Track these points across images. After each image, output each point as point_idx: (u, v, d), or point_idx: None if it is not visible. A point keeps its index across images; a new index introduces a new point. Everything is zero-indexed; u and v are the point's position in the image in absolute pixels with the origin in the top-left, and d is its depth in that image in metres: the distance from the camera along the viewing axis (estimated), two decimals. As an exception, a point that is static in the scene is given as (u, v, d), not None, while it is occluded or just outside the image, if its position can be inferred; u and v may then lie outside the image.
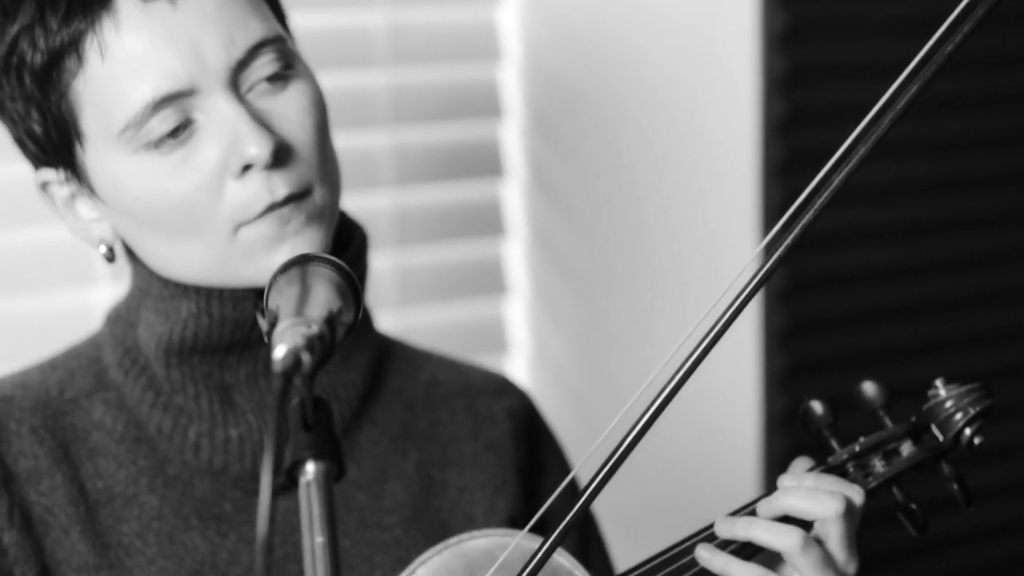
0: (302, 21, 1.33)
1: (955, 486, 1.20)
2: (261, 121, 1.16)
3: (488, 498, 1.30)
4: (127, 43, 1.14)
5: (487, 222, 1.95)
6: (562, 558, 1.16)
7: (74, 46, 1.14)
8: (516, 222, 1.98)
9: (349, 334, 0.96)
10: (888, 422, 1.20)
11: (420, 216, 1.89)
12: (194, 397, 1.23)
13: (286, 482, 0.86)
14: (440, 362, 1.37)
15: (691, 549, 1.14)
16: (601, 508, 1.32)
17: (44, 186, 1.23)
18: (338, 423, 1.27)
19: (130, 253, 1.25)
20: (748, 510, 1.15)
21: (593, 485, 0.99)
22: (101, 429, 1.24)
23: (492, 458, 1.32)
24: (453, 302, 1.93)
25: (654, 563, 1.14)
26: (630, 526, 1.80)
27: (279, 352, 0.87)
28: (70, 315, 1.68)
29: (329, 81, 1.28)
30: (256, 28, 1.17)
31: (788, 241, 0.96)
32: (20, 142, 1.22)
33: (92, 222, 1.23)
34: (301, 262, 0.97)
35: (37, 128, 1.18)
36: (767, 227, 2.02)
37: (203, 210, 1.16)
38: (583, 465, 1.09)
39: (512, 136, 1.96)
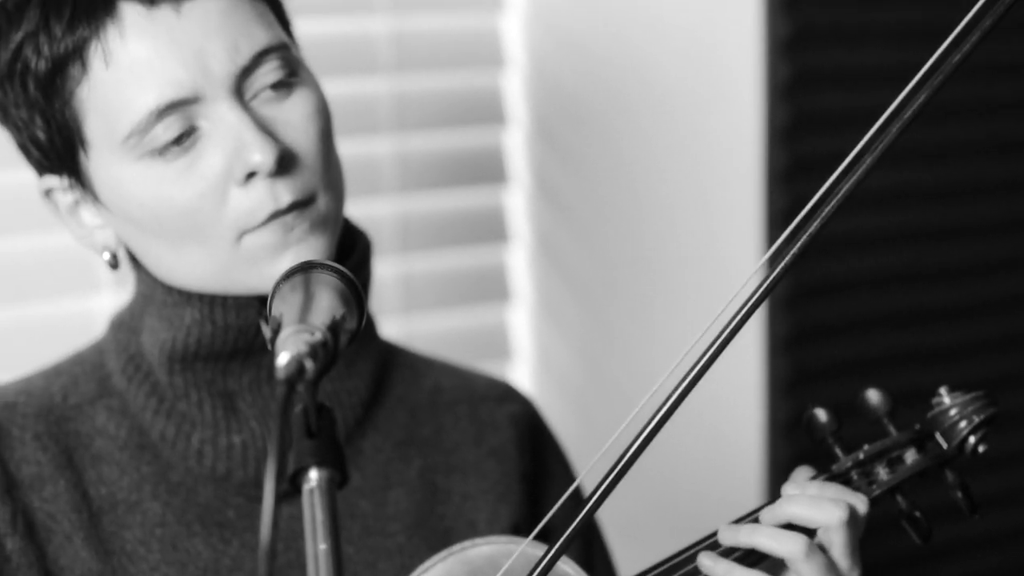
0: (305, 28, 1.33)
1: (959, 494, 1.20)
2: (265, 128, 1.16)
3: (491, 505, 1.30)
4: (131, 50, 1.14)
5: (490, 229, 1.95)
6: (566, 566, 1.16)
7: (78, 53, 1.14)
8: (519, 229, 1.98)
9: (352, 341, 0.96)
10: (892, 430, 1.20)
11: (423, 223, 1.89)
12: (197, 404, 1.23)
13: (289, 489, 0.86)
14: (444, 369, 1.37)
15: (694, 557, 1.14)
16: (604, 514, 1.32)
17: (48, 193, 1.23)
18: (341, 430, 1.26)
19: (134, 260, 1.25)
20: (751, 518, 1.15)
21: (598, 494, 0.99)
22: (104, 435, 1.23)
23: (495, 465, 1.32)
24: (456, 309, 1.93)
25: (657, 571, 1.14)
26: (633, 533, 1.79)
27: (282, 359, 0.87)
28: (73, 322, 1.68)
29: (332, 88, 1.28)
30: (260, 35, 1.17)
31: (795, 250, 0.96)
32: (24, 148, 1.22)
33: (96, 229, 1.23)
34: (304, 269, 0.97)
35: (41, 135, 1.18)
36: (771, 233, 2.02)
37: (207, 217, 1.16)
38: (587, 473, 1.08)
39: (515, 143, 1.96)
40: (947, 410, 1.20)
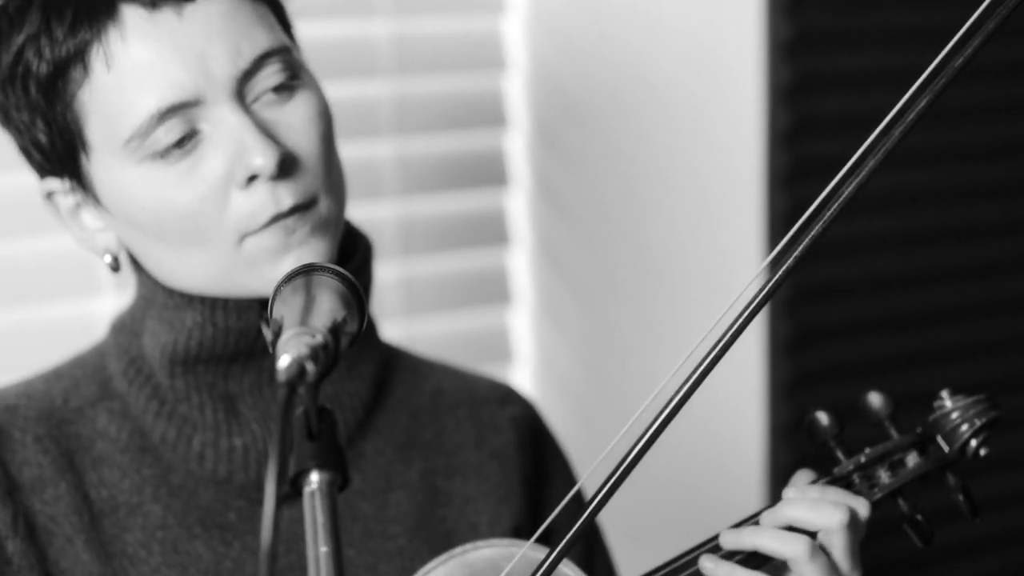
0: (306, 31, 1.33)
1: (961, 497, 1.20)
2: (267, 131, 1.16)
3: (492, 507, 1.30)
4: (133, 53, 1.14)
5: (491, 232, 1.95)
6: (568, 569, 1.16)
7: (80, 56, 1.14)
8: (520, 232, 1.98)
9: (353, 344, 0.95)
10: (894, 433, 1.20)
11: (424, 226, 1.89)
12: (198, 406, 1.23)
13: (290, 491, 0.86)
14: (445, 371, 1.37)
15: (695, 560, 1.13)
16: (605, 517, 1.32)
17: (49, 195, 1.23)
18: (342, 433, 1.26)
19: (135, 263, 1.25)
20: (751, 522, 1.15)
21: (599, 498, 0.99)
22: (105, 438, 1.23)
23: (496, 467, 1.32)
24: (457, 311, 1.93)
25: (659, 574, 1.14)
26: (634, 535, 1.79)
27: (283, 362, 0.86)
28: (74, 324, 1.68)
29: (333, 91, 1.28)
30: (262, 39, 1.17)
31: (797, 252, 0.96)
32: (25, 151, 1.22)
33: (97, 232, 1.23)
34: (305, 272, 0.97)
35: (42, 138, 1.18)
36: (772, 236, 2.02)
37: (208, 220, 1.16)
38: (588, 477, 1.08)
39: (516, 146, 1.96)
40: (949, 413, 1.19)
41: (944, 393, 1.21)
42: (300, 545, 1.21)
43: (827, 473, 1.18)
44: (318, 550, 0.83)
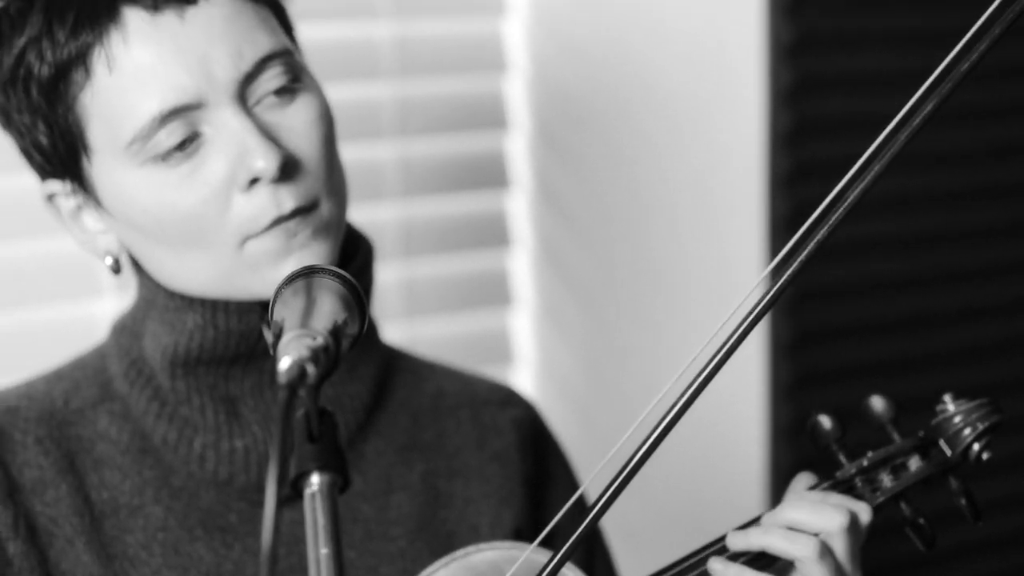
0: (308, 33, 1.33)
1: (963, 501, 1.20)
2: (268, 134, 1.16)
3: (493, 509, 1.30)
4: (135, 56, 1.14)
5: (493, 234, 1.95)
6: (569, 572, 1.16)
7: (82, 59, 1.14)
8: (522, 234, 1.98)
9: (354, 346, 0.95)
10: (896, 437, 1.20)
11: (426, 228, 1.89)
12: (199, 408, 1.23)
13: (291, 493, 0.86)
14: (446, 373, 1.37)
15: (702, 562, 1.13)
16: (606, 519, 1.32)
17: (50, 198, 1.23)
18: (343, 434, 1.26)
19: (136, 265, 1.25)
20: (753, 525, 1.15)
21: (600, 503, 0.99)
22: (106, 440, 1.23)
23: (497, 469, 1.32)
24: (459, 314, 1.93)
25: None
26: (635, 537, 1.79)
27: (284, 364, 0.86)
28: (75, 326, 1.68)
29: (335, 93, 1.28)
30: (264, 41, 1.17)
31: (802, 257, 0.96)
32: (26, 153, 1.22)
33: (98, 234, 1.23)
34: (306, 274, 0.97)
35: (44, 140, 1.18)
36: (773, 238, 2.02)
37: (210, 223, 1.16)
38: (591, 482, 1.08)
39: (518, 148, 1.96)
40: (951, 417, 1.19)
41: (946, 397, 1.21)
42: (301, 547, 1.21)
43: (829, 476, 1.18)
44: (319, 552, 0.83)
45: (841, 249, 2.11)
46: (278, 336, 0.91)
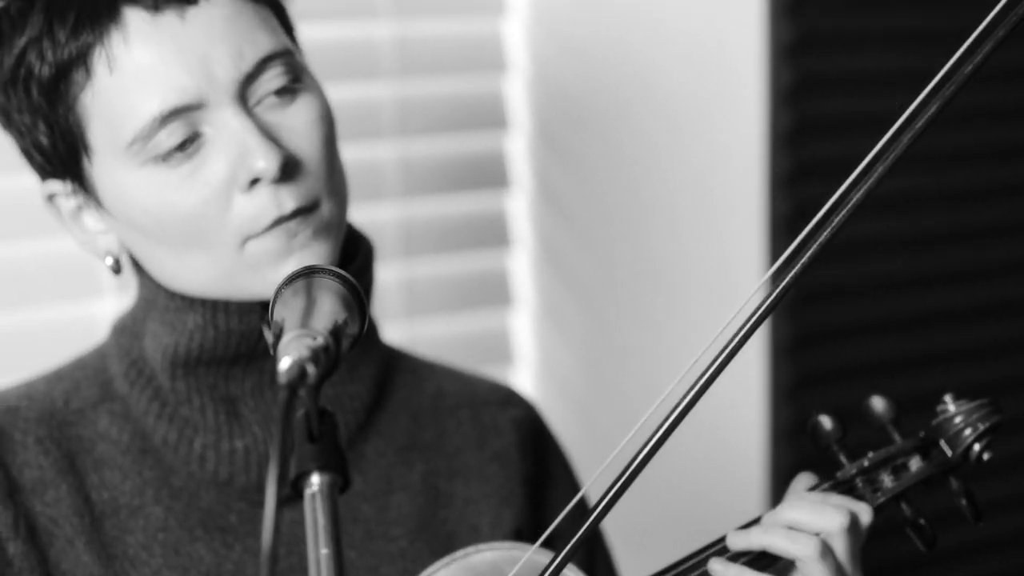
0: (308, 33, 1.33)
1: (964, 501, 1.20)
2: (269, 135, 1.16)
3: (494, 509, 1.30)
4: (136, 56, 1.14)
5: (493, 234, 1.95)
6: (570, 573, 1.16)
7: (82, 59, 1.14)
8: (522, 234, 1.98)
9: (354, 346, 0.95)
10: (897, 437, 1.20)
11: (426, 228, 1.89)
12: (200, 408, 1.23)
13: (291, 494, 0.86)
14: (446, 373, 1.37)
15: (703, 563, 1.13)
16: (607, 520, 1.32)
17: (51, 198, 1.23)
18: (343, 434, 1.26)
19: (136, 265, 1.25)
20: (754, 525, 1.15)
21: (601, 506, 0.99)
22: (107, 440, 1.23)
23: (498, 469, 1.32)
24: (459, 314, 1.93)
25: (667, 576, 1.14)
26: (635, 537, 1.79)
27: (284, 364, 0.86)
28: (76, 326, 1.68)
29: (335, 93, 1.28)
30: (265, 42, 1.17)
31: (804, 259, 0.95)
32: (27, 154, 1.22)
33: (99, 234, 1.23)
34: (306, 274, 0.97)
35: (44, 140, 1.18)
36: (773, 238, 2.02)
37: (211, 223, 1.16)
38: (592, 484, 1.08)
39: (518, 148, 1.96)
40: (952, 418, 1.19)
41: (947, 397, 1.21)
42: (301, 547, 1.21)
43: (830, 477, 1.18)
44: (319, 552, 0.83)
45: (841, 250, 2.11)
46: (278, 336, 0.91)
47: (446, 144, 1.90)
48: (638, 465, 0.98)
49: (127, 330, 1.26)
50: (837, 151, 2.04)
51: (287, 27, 1.23)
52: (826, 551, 1.11)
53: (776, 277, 0.97)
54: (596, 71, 1.95)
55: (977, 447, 1.19)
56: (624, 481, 0.98)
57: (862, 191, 0.95)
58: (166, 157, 1.15)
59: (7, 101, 1.18)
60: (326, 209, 1.19)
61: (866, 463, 1.18)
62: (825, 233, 0.96)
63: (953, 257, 2.24)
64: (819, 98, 2.06)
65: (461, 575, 1.15)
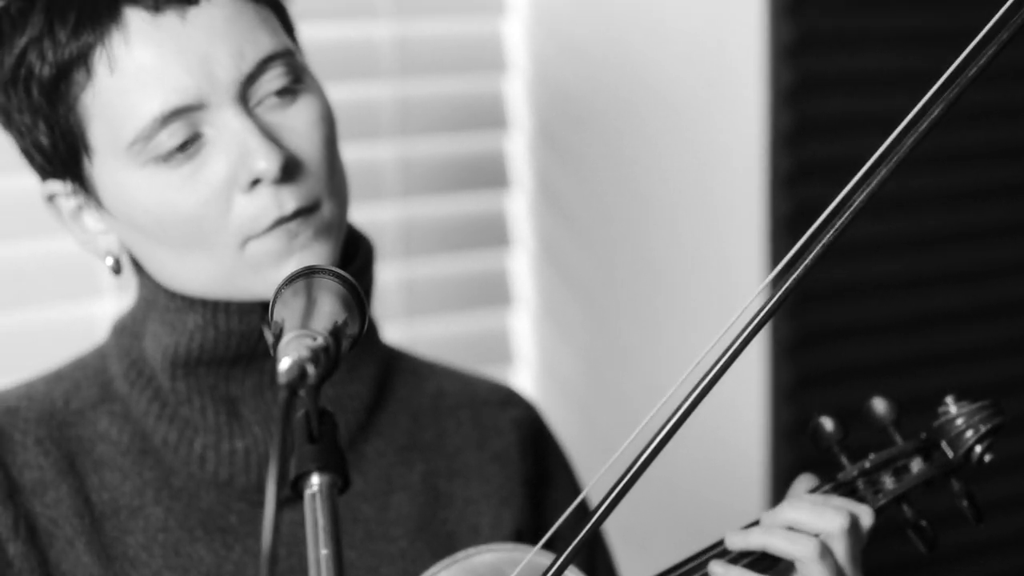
0: (308, 32, 1.33)
1: (965, 503, 1.20)
2: (270, 135, 1.16)
3: (494, 509, 1.30)
4: (136, 57, 1.14)
5: (493, 234, 1.95)
6: (571, 574, 1.15)
7: (83, 59, 1.14)
8: (522, 234, 1.97)
9: (354, 346, 0.95)
10: (898, 439, 1.20)
11: (426, 228, 1.89)
12: (200, 409, 1.23)
13: (291, 494, 0.85)
14: (446, 373, 1.37)
15: (701, 566, 1.13)
16: (607, 521, 1.32)
17: (51, 198, 1.23)
18: (344, 435, 1.26)
19: (136, 265, 1.24)
20: (754, 526, 1.15)
21: (602, 508, 0.99)
22: (107, 440, 1.23)
23: (498, 469, 1.32)
24: (459, 314, 1.93)
25: (665, 578, 1.14)
26: (635, 538, 1.79)
27: (284, 364, 0.86)
28: (76, 327, 1.68)
29: (335, 93, 1.28)
30: (266, 42, 1.17)
31: (807, 261, 0.95)
32: (27, 154, 1.21)
33: (99, 234, 1.23)
34: (306, 274, 0.96)
35: (44, 140, 1.18)
36: (774, 238, 2.02)
37: (211, 224, 1.16)
38: (593, 487, 1.08)
39: (518, 148, 1.96)
40: (953, 419, 1.19)
41: (948, 399, 1.20)
42: (301, 548, 1.21)
43: (831, 478, 1.18)
44: (319, 553, 0.83)
45: (843, 250, 2.10)
46: (278, 337, 0.91)
47: (446, 144, 1.90)
48: (638, 469, 0.98)
49: (127, 330, 1.26)
50: (837, 151, 2.04)
51: (288, 27, 1.23)
52: (826, 552, 1.10)
53: (777, 280, 0.97)
54: (596, 71, 1.95)
55: (979, 449, 1.19)
56: (625, 484, 0.98)
57: (864, 194, 0.94)
58: (167, 158, 1.15)
59: (7, 101, 1.18)
60: (327, 210, 1.19)
61: (867, 464, 1.18)
62: (827, 235, 0.96)
63: (954, 257, 2.24)
64: (819, 98, 2.06)
65: (461, 576, 1.15)
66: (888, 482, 1.18)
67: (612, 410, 1.99)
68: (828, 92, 2.08)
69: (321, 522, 0.84)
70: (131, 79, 1.14)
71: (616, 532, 1.51)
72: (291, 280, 0.96)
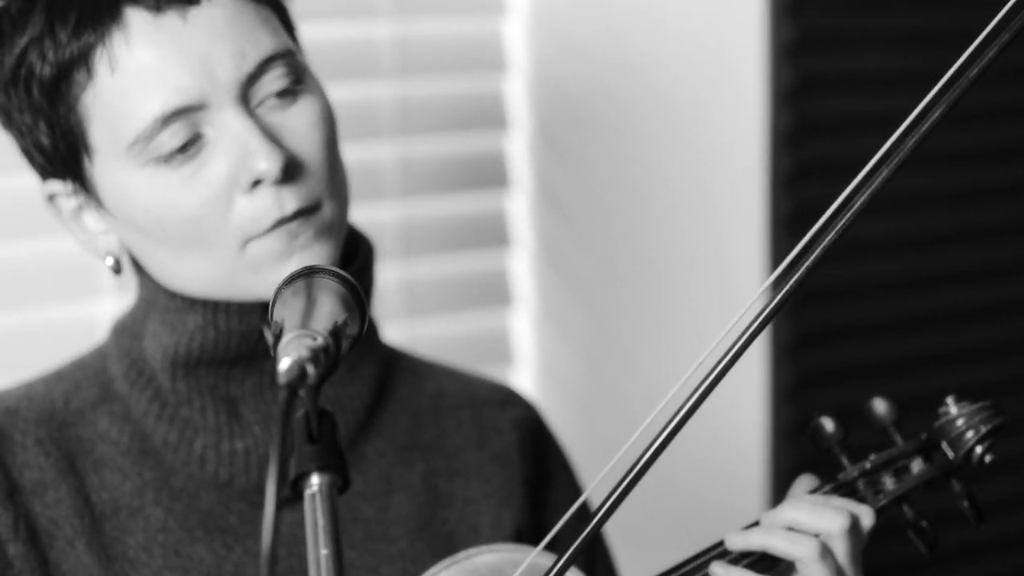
0: (308, 32, 1.33)
1: (966, 503, 1.20)
2: (271, 136, 1.15)
3: (494, 510, 1.30)
4: (137, 57, 1.14)
5: (493, 234, 1.95)
6: (571, 574, 1.15)
7: (84, 59, 1.14)
8: (522, 234, 1.97)
9: (354, 346, 0.95)
10: (899, 439, 1.20)
11: (426, 228, 1.89)
12: (200, 409, 1.23)
13: (291, 494, 0.85)
14: (446, 373, 1.37)
15: (702, 567, 1.13)
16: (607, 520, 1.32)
17: (51, 198, 1.23)
18: (343, 435, 1.26)
19: (137, 265, 1.24)
20: (754, 527, 1.15)
21: (604, 509, 0.99)
22: (107, 441, 1.23)
23: (498, 469, 1.31)
24: (459, 314, 1.93)
25: (666, 579, 1.14)
26: (635, 538, 1.79)
27: (283, 364, 0.86)
28: (76, 327, 1.68)
29: (335, 93, 1.28)
30: (266, 42, 1.17)
31: (808, 263, 0.95)
32: (27, 154, 1.21)
33: (99, 234, 1.23)
34: (306, 274, 0.96)
35: (45, 140, 1.18)
36: (774, 238, 2.02)
37: (212, 224, 1.16)
38: (594, 488, 1.08)
39: (518, 148, 1.96)
40: (954, 420, 1.19)
41: (949, 399, 1.20)
42: (301, 548, 1.21)
43: (831, 479, 1.18)
44: (319, 553, 0.83)
45: (843, 250, 2.10)
46: (278, 337, 0.91)
47: (446, 144, 1.90)
48: (639, 471, 0.98)
49: (127, 330, 1.26)
50: (837, 151, 2.04)
51: (288, 27, 1.23)
52: (826, 552, 1.10)
53: (778, 282, 0.97)
54: (596, 71, 1.95)
55: (979, 449, 1.19)
56: (625, 487, 0.98)
57: (865, 195, 0.94)
58: (168, 158, 1.15)
59: (8, 101, 1.18)
60: (327, 210, 1.19)
61: (868, 465, 1.18)
62: (828, 237, 0.96)
63: (955, 257, 2.24)
64: (819, 98, 2.06)
65: (462, 577, 1.15)
66: (889, 483, 1.18)
67: (612, 410, 1.99)
68: (828, 92, 2.08)
69: (321, 522, 0.84)
70: (132, 79, 1.14)
71: (616, 532, 1.51)
72: (291, 280, 0.96)
